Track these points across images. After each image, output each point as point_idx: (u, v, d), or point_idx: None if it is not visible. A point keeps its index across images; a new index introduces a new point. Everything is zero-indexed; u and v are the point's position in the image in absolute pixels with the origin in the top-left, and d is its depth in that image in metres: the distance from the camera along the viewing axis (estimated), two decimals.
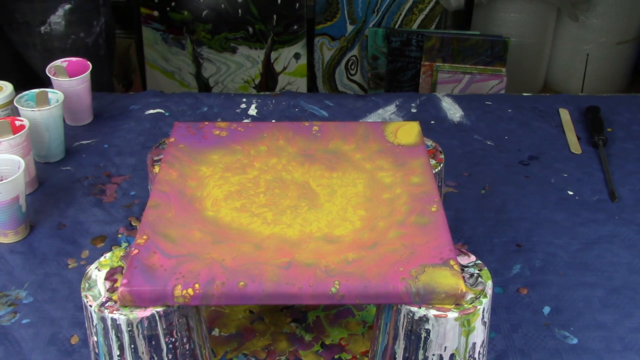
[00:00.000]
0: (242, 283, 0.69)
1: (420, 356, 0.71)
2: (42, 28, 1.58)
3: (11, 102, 1.16)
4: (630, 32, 2.48)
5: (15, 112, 1.16)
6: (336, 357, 0.81)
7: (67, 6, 1.59)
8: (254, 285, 0.69)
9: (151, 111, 1.29)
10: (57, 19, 1.59)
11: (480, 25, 2.44)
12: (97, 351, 0.72)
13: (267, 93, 1.36)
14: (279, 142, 0.91)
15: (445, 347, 0.70)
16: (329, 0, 2.33)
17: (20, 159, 0.98)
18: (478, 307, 0.70)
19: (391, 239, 0.75)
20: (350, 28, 2.37)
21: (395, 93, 1.35)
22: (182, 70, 2.33)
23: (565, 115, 1.28)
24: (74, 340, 0.83)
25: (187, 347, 0.72)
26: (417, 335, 0.70)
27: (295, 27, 2.33)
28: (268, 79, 2.42)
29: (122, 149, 1.19)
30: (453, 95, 1.34)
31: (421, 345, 0.70)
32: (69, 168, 1.14)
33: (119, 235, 0.99)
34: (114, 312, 0.68)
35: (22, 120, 1.06)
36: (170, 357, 0.71)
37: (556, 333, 0.85)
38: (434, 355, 0.71)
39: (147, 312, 0.68)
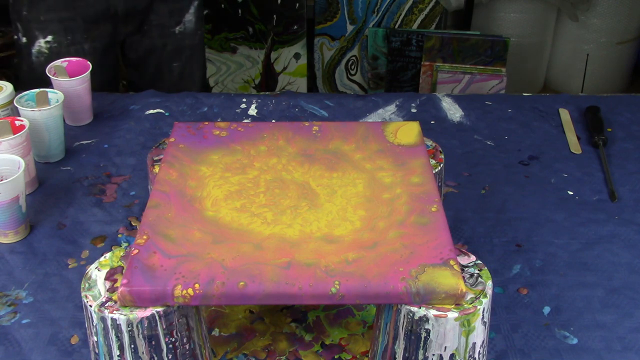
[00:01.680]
0: (242, 283, 0.69)
1: (420, 356, 0.71)
2: (177, 28, 1.55)
3: (11, 102, 1.16)
4: (630, 32, 2.49)
5: (15, 112, 1.16)
6: (336, 357, 0.81)
7: (196, 2, 1.57)
8: (254, 285, 0.69)
9: (151, 111, 1.29)
10: (190, 16, 1.56)
11: (480, 25, 2.44)
12: (97, 351, 0.72)
13: (267, 93, 1.36)
14: (279, 142, 0.91)
15: (445, 347, 0.70)
16: (329, 0, 2.33)
17: (20, 159, 0.98)
18: (478, 307, 0.70)
19: (391, 239, 0.75)
20: (350, 28, 2.38)
21: (395, 93, 1.35)
22: None
23: (565, 115, 1.28)
24: (74, 340, 0.83)
25: (187, 347, 0.72)
26: (417, 335, 0.70)
27: (295, 27, 2.33)
28: (268, 79, 2.42)
29: (122, 149, 1.18)
30: (453, 95, 1.34)
31: (421, 345, 0.70)
32: (69, 168, 1.14)
33: (119, 235, 0.99)
34: (114, 312, 0.68)
35: (22, 120, 1.06)
36: (170, 357, 0.71)
37: (556, 333, 0.85)
38: (434, 355, 0.71)
39: (147, 312, 0.68)
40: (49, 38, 1.41)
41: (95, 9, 1.42)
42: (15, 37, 1.45)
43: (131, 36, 1.53)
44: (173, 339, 0.71)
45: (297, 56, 2.37)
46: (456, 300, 0.69)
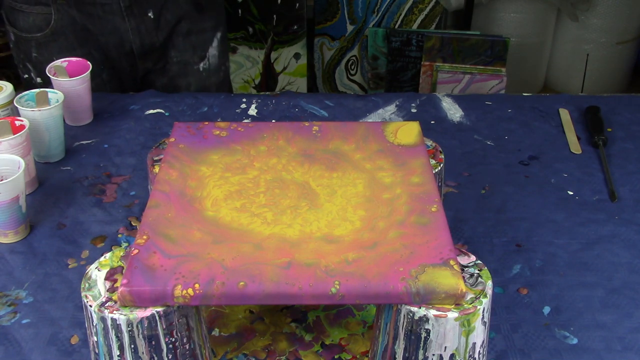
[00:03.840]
0: (242, 283, 0.69)
1: (420, 356, 0.71)
2: (202, 65, 1.43)
3: (11, 102, 1.16)
4: (630, 32, 2.49)
5: (15, 112, 1.16)
6: (336, 357, 0.81)
7: (219, 33, 1.44)
8: (254, 285, 0.69)
9: (151, 111, 1.29)
10: (214, 50, 1.44)
11: (480, 25, 2.44)
12: (97, 351, 0.72)
13: (267, 93, 1.36)
14: (279, 142, 0.91)
15: (445, 347, 0.70)
16: (329, 0, 2.33)
17: (20, 159, 0.98)
18: (478, 307, 0.70)
19: (391, 239, 0.75)
20: (350, 28, 2.38)
21: (395, 93, 1.35)
22: None
23: (565, 115, 1.28)
24: (74, 340, 0.83)
25: (187, 347, 0.72)
26: (417, 335, 0.70)
27: (295, 27, 2.33)
28: (268, 79, 2.42)
29: (122, 149, 1.18)
30: (453, 95, 1.34)
31: (421, 345, 0.70)
32: (69, 168, 1.14)
33: (119, 235, 0.99)
34: (114, 312, 0.68)
35: (22, 120, 1.06)
36: (170, 357, 0.71)
37: (556, 333, 0.85)
38: (434, 355, 0.71)
39: (147, 312, 0.68)
40: None
41: (108, 45, 1.36)
42: (26, 76, 1.38)
43: (151, 73, 1.43)
44: (173, 339, 0.71)
45: (297, 56, 2.37)
46: (456, 300, 0.69)
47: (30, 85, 1.38)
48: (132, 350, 0.70)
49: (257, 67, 2.39)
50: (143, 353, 0.70)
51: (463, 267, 0.74)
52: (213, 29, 1.44)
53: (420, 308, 0.69)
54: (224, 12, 1.49)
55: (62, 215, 1.03)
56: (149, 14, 1.34)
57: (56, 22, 1.30)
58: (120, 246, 0.97)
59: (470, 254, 0.76)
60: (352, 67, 2.44)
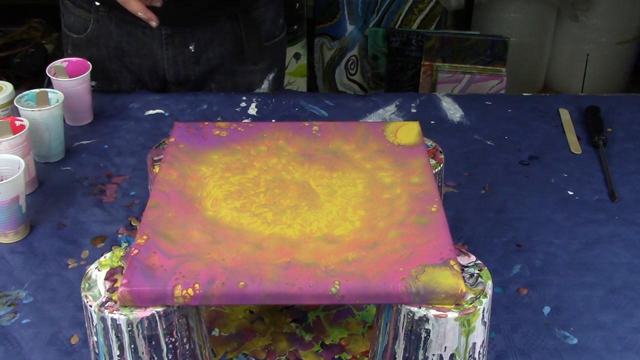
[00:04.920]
0: (242, 283, 0.69)
1: (420, 356, 0.71)
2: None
3: (11, 102, 1.16)
4: (630, 32, 2.49)
5: (15, 112, 1.16)
6: (336, 357, 0.81)
7: (272, 75, 1.39)
8: (254, 285, 0.69)
9: (151, 111, 1.29)
10: (262, 92, 1.39)
11: (480, 25, 2.44)
12: (97, 351, 0.72)
13: (267, 92, 1.36)
14: (279, 142, 0.91)
15: (445, 347, 0.70)
16: (329, 0, 2.33)
17: (20, 159, 0.98)
18: (478, 307, 0.70)
19: (391, 239, 0.75)
20: (350, 28, 2.38)
21: (395, 93, 1.35)
22: None
23: (565, 115, 1.28)
24: (74, 340, 0.83)
25: (187, 347, 0.72)
26: (417, 335, 0.70)
27: (295, 27, 2.33)
28: None
29: (122, 149, 1.18)
30: (453, 95, 1.34)
31: (421, 345, 0.70)
32: (69, 168, 1.14)
33: (119, 235, 0.99)
34: (114, 312, 0.68)
35: (22, 120, 1.06)
36: (170, 357, 0.71)
37: (556, 333, 0.85)
38: (434, 355, 0.71)
39: (147, 312, 0.68)
40: (93, 83, 1.32)
41: (142, 67, 1.34)
42: None
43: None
44: (173, 339, 0.71)
45: (297, 56, 2.37)
46: (456, 300, 0.69)
47: None
48: (132, 350, 0.70)
49: None
50: (143, 353, 0.70)
51: (463, 267, 0.74)
52: (265, 70, 1.38)
53: (420, 308, 0.69)
54: (284, 50, 1.43)
55: (62, 215, 1.03)
56: (190, 47, 1.31)
57: (92, 31, 1.30)
58: (120, 246, 0.97)
59: (470, 254, 0.76)
60: (352, 67, 2.44)
